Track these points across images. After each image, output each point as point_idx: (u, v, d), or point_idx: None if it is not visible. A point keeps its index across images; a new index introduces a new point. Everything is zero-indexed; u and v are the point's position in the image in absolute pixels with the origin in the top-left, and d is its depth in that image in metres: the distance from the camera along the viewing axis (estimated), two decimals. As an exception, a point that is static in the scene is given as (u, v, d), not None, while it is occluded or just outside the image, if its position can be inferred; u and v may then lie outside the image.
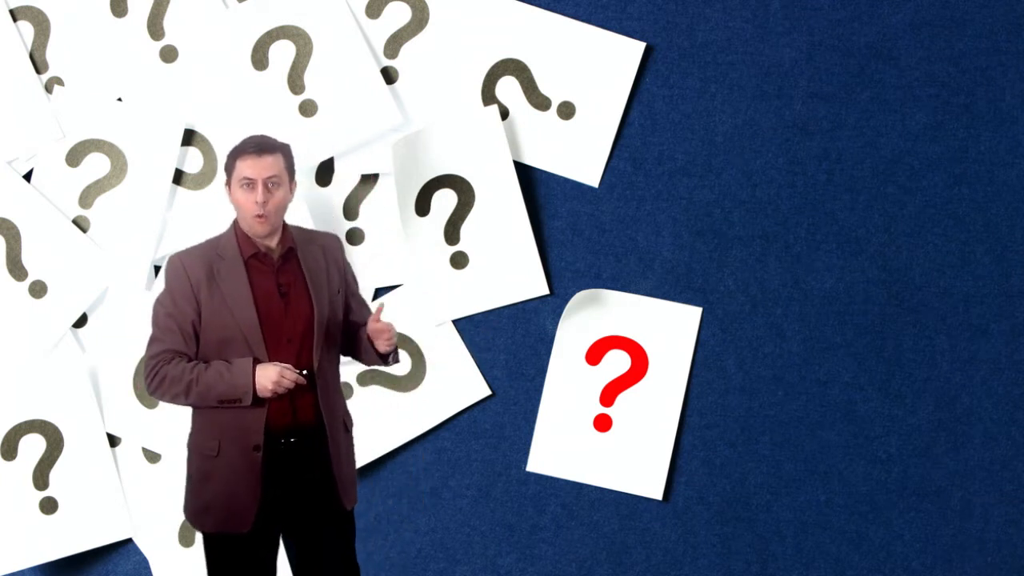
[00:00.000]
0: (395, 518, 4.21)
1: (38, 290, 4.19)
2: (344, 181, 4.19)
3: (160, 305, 3.46)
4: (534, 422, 4.18)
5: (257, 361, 3.39)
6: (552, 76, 4.15)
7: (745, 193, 4.13)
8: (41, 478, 4.19)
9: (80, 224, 4.19)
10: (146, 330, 3.49)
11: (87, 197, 4.19)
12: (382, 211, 4.18)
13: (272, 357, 3.40)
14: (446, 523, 4.20)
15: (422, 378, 4.18)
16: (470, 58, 4.16)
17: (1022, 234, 4.07)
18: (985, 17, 4.06)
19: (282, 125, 4.10)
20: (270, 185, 3.44)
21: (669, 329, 4.14)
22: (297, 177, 3.54)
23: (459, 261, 4.17)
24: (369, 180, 4.19)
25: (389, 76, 4.17)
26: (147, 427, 4.19)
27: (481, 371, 4.18)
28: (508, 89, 4.16)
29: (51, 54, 4.21)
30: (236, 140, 3.52)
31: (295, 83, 4.16)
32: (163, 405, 4.08)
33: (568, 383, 4.18)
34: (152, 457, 4.21)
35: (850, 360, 4.11)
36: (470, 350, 4.18)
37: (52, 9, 4.21)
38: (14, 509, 4.19)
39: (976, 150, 4.08)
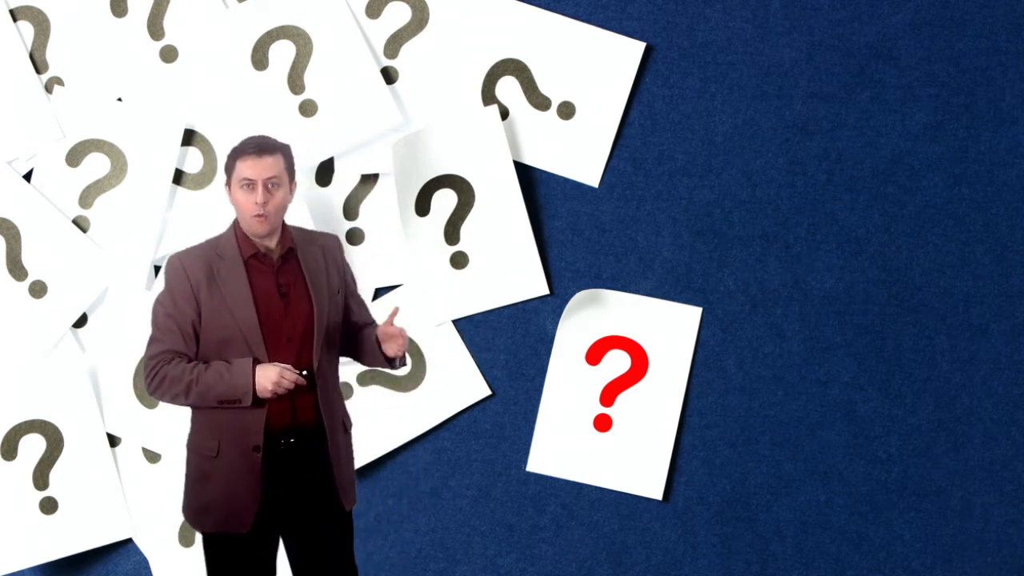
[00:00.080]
0: (395, 518, 4.21)
1: (38, 290, 4.19)
2: (344, 181, 4.19)
3: (160, 305, 3.46)
4: (534, 422, 4.18)
5: (257, 361, 3.39)
6: (552, 76, 4.15)
7: (745, 193, 4.13)
8: (41, 478, 4.19)
9: (80, 224, 4.19)
10: (146, 330, 3.49)
11: (87, 197, 4.19)
12: (382, 211, 4.18)
13: (272, 357, 3.40)
14: (446, 523, 4.20)
15: (422, 378, 4.18)
16: (470, 58, 4.16)
17: (1022, 234, 4.07)
18: (985, 17, 4.06)
19: (282, 125, 4.10)
20: (270, 186, 3.44)
21: (669, 329, 4.14)
22: (297, 177, 3.54)
23: (459, 261, 4.17)
24: (369, 180, 4.19)
25: (389, 76, 4.17)
26: (147, 427, 4.19)
27: (481, 371, 4.18)
28: (508, 89, 4.16)
29: (51, 54, 4.21)
30: (236, 140, 3.52)
31: (295, 83, 4.15)
32: (163, 405, 4.08)
33: (568, 383, 4.17)
34: (152, 457, 4.21)
35: (850, 360, 4.11)
36: (470, 350, 4.18)
37: (52, 9, 4.21)
38: (14, 509, 4.19)
39: (976, 150, 4.08)
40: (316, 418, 3.44)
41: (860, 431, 4.11)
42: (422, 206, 4.16)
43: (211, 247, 3.48)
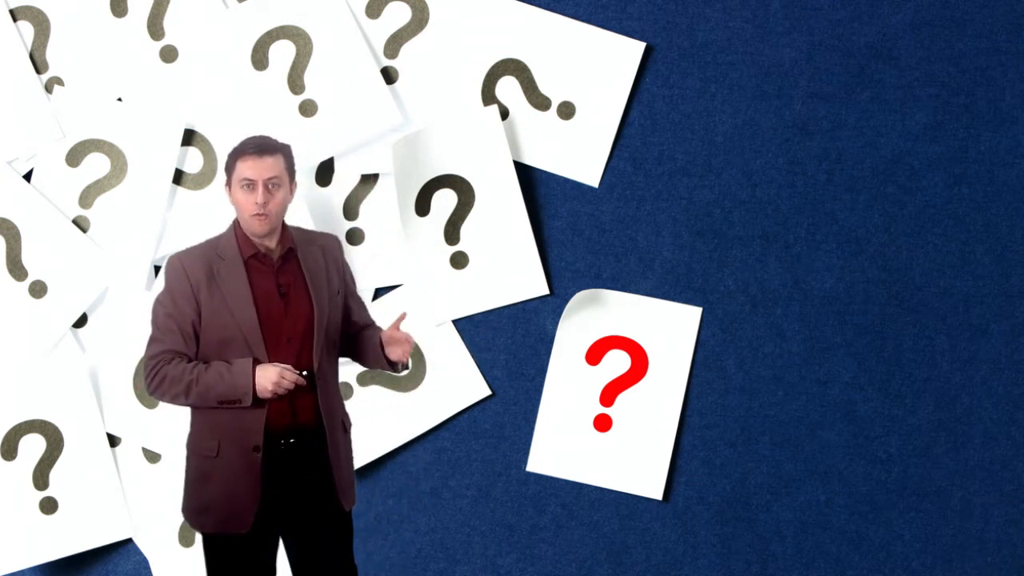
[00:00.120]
0: (395, 518, 4.21)
1: (38, 290, 4.19)
2: (344, 181, 4.19)
3: (160, 305, 3.46)
4: (534, 422, 4.18)
5: (257, 362, 3.39)
6: (552, 76, 4.15)
7: (745, 193, 4.13)
8: (41, 478, 4.19)
9: (80, 224, 4.19)
10: (146, 330, 3.49)
11: (87, 197, 4.19)
12: (382, 211, 4.18)
13: (272, 357, 3.40)
14: (446, 523, 4.20)
15: (422, 378, 4.18)
16: (470, 58, 4.16)
17: (1022, 234, 4.07)
18: (985, 17, 4.06)
19: (282, 125, 4.10)
20: (271, 186, 3.44)
21: (669, 329, 4.14)
22: (297, 177, 3.54)
23: (459, 261, 4.17)
24: (369, 180, 4.19)
25: (389, 76, 4.17)
26: (147, 427, 4.19)
27: (481, 371, 4.18)
28: (508, 89, 4.16)
29: (51, 54, 4.21)
30: (236, 140, 3.52)
31: (295, 83, 4.15)
32: (163, 405, 4.08)
33: (568, 383, 4.17)
34: (152, 457, 4.21)
35: (850, 360, 4.11)
36: (470, 350, 4.18)
37: (52, 9, 4.20)
38: (14, 509, 4.19)
39: (976, 150, 4.08)
40: (316, 418, 3.44)
41: (860, 431, 4.11)
42: (422, 206, 4.16)
43: (211, 247, 3.48)
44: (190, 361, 3.42)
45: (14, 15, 4.21)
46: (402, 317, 3.53)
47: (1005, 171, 4.07)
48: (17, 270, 4.19)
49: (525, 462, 4.19)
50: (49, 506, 4.19)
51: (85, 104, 4.20)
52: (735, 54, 4.12)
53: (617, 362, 4.17)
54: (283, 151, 3.48)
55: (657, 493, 4.16)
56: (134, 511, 4.21)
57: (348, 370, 3.98)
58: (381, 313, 4.12)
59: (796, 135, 4.11)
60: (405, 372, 3.62)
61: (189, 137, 4.19)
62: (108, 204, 4.19)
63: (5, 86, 4.19)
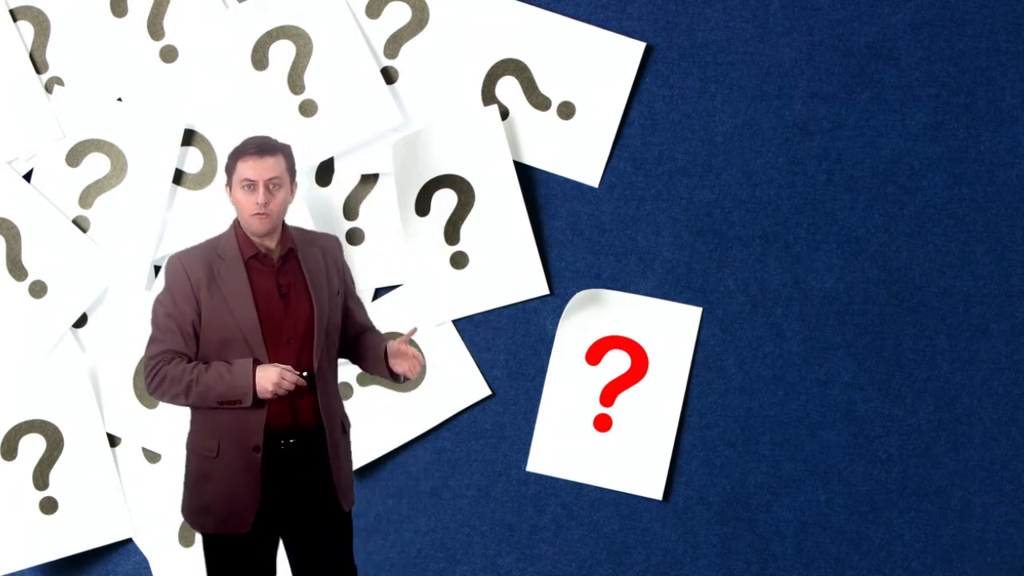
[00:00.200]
0: (395, 518, 4.21)
1: (38, 290, 4.19)
2: (344, 181, 4.19)
3: (160, 305, 3.46)
4: (534, 422, 4.18)
5: (257, 362, 3.38)
6: (552, 76, 4.15)
7: (745, 193, 4.13)
8: (41, 478, 4.19)
9: (80, 224, 4.19)
10: (146, 330, 3.49)
11: (87, 197, 4.19)
12: (382, 211, 4.18)
13: (272, 358, 3.40)
14: (446, 523, 4.20)
15: (422, 378, 4.18)
16: (470, 58, 4.16)
17: (1022, 234, 4.07)
18: (985, 17, 4.06)
19: (282, 125, 4.10)
20: (271, 186, 3.43)
21: (669, 329, 4.14)
22: (297, 177, 3.54)
23: (459, 261, 4.17)
24: (369, 180, 4.19)
25: (389, 76, 4.17)
26: (147, 427, 4.19)
27: (481, 371, 4.18)
28: (508, 89, 4.16)
29: (51, 54, 4.21)
30: (236, 140, 3.52)
31: (295, 83, 4.15)
32: (163, 405, 4.08)
33: (568, 383, 4.17)
34: (152, 457, 4.21)
35: (850, 360, 4.11)
36: (470, 350, 4.18)
37: (52, 9, 4.20)
38: (14, 509, 4.19)
39: (976, 150, 4.08)
40: (316, 419, 3.44)
41: (860, 431, 4.11)
42: (422, 206, 4.16)
43: (211, 247, 3.48)
44: (190, 361, 3.42)
45: (14, 15, 4.21)
46: (413, 331, 3.54)
47: (1005, 171, 4.07)
48: (17, 270, 4.19)
49: (525, 462, 4.19)
50: (49, 506, 4.19)
51: (85, 104, 4.20)
52: (735, 54, 4.12)
53: (617, 362, 4.17)
54: (284, 151, 3.48)
55: (657, 493, 4.16)
56: (134, 511, 4.21)
57: (348, 370, 3.98)
58: (381, 313, 4.12)
59: (796, 135, 4.11)
60: (406, 382, 3.61)
61: (189, 137, 4.19)
62: (108, 204, 4.19)
63: (5, 86, 4.19)
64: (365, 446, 4.14)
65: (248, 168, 3.43)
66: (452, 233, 4.17)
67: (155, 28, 4.19)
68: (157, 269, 4.17)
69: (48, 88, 4.21)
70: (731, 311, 4.14)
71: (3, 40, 4.19)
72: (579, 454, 4.17)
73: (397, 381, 3.56)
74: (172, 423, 4.10)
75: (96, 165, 4.19)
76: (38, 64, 4.22)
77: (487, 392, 4.19)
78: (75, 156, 4.19)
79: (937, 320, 4.09)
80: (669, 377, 4.15)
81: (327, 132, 4.14)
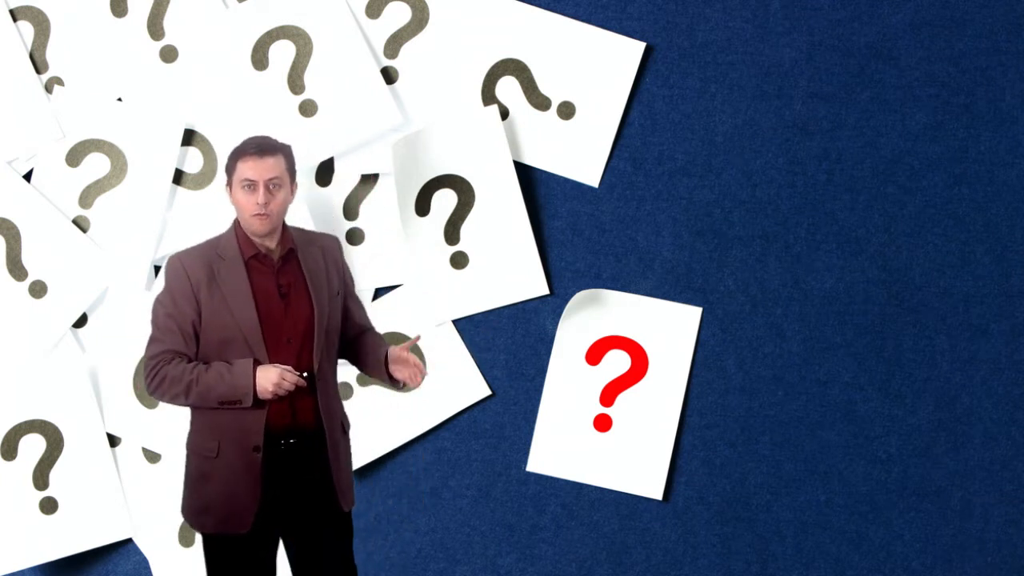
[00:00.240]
0: (395, 518, 4.21)
1: (38, 290, 4.19)
2: (344, 181, 4.19)
3: (160, 305, 3.46)
4: (534, 422, 4.18)
5: (257, 362, 3.38)
6: (552, 76, 4.15)
7: (745, 193, 4.13)
8: (41, 478, 4.19)
9: (80, 224, 4.19)
10: (146, 330, 3.49)
11: (87, 197, 4.19)
12: (382, 211, 4.18)
13: (272, 358, 3.40)
14: (446, 523, 4.21)
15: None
16: (470, 58, 4.16)
17: (1022, 234, 4.07)
18: (985, 17, 4.06)
19: (282, 125, 4.10)
20: (271, 187, 3.43)
21: (669, 329, 4.14)
22: (297, 177, 3.54)
23: (459, 261, 4.17)
24: (369, 180, 4.19)
25: (389, 76, 4.17)
26: (147, 427, 4.19)
27: (481, 371, 4.18)
28: (508, 89, 4.16)
29: (51, 54, 4.21)
30: (236, 140, 3.52)
31: (295, 83, 4.15)
32: (163, 405, 4.07)
33: (568, 383, 4.17)
34: (152, 457, 4.21)
35: (850, 360, 4.11)
36: (470, 350, 4.18)
37: (52, 9, 4.20)
38: (14, 509, 4.19)
39: (976, 150, 4.08)
40: (316, 419, 3.44)
41: (860, 431, 4.11)
42: (422, 206, 4.16)
43: (211, 247, 3.48)
44: (190, 361, 3.42)
45: (14, 15, 4.21)
46: (416, 339, 3.55)
47: (1005, 171, 4.07)
48: (17, 270, 4.19)
49: (525, 462, 4.19)
50: (49, 506, 4.19)
51: (85, 104, 4.20)
52: (735, 54, 4.12)
53: (617, 362, 4.17)
54: (284, 151, 3.48)
55: (657, 493, 4.16)
56: (134, 511, 4.21)
57: (348, 370, 3.97)
58: (381, 313, 4.12)
59: (796, 135, 4.11)
60: (405, 388, 3.59)
61: (189, 137, 4.19)
62: (108, 204, 4.19)
63: (5, 86, 4.19)
64: (365, 446, 4.14)
65: (248, 168, 3.43)
66: (452, 233, 4.17)
67: (155, 28, 4.19)
68: (157, 269, 4.17)
69: (48, 88, 4.21)
70: (731, 311, 4.14)
71: (3, 40, 4.19)
72: (579, 454, 4.17)
73: (396, 388, 3.56)
74: (172, 423, 4.10)
75: (96, 165, 4.19)
76: (38, 64, 4.22)
77: (487, 392, 4.19)
78: (75, 156, 4.19)
79: (937, 320, 4.09)
80: (669, 377, 4.15)
81: (327, 132, 4.14)
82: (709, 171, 4.13)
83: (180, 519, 4.14)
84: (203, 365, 3.40)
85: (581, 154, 4.15)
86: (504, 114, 4.15)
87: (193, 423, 3.48)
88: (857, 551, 4.13)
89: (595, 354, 4.17)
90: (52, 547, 4.19)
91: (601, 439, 4.17)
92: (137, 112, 4.18)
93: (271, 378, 3.35)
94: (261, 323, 3.41)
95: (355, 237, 4.18)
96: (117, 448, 4.21)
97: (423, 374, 3.52)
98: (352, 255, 4.09)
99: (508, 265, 4.16)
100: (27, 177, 4.21)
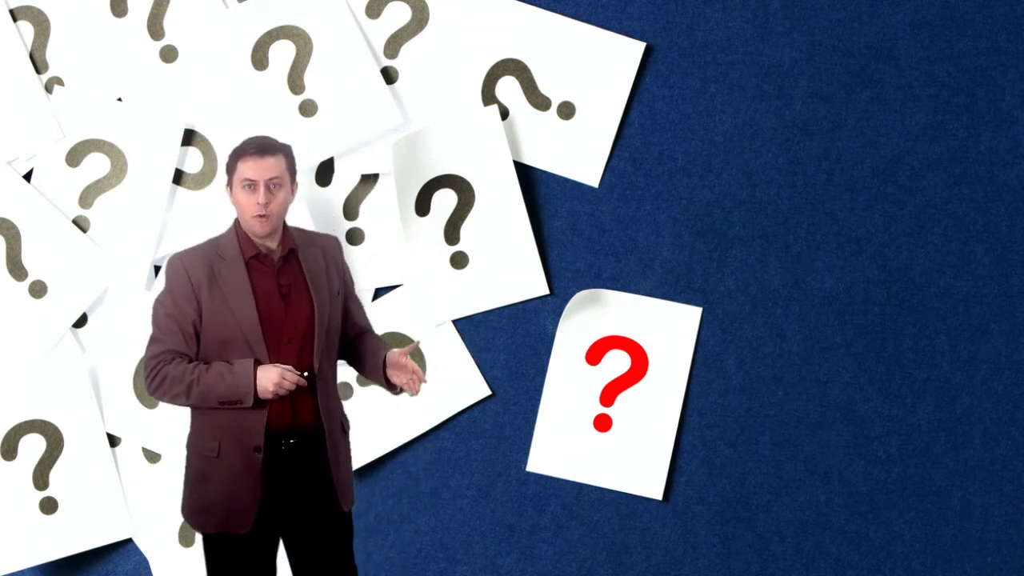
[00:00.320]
0: (395, 518, 4.21)
1: (38, 290, 4.19)
2: (344, 181, 4.19)
3: (160, 305, 3.46)
4: (534, 422, 4.18)
5: (258, 362, 3.38)
6: (552, 76, 4.15)
7: (745, 193, 4.13)
8: (41, 478, 4.19)
9: (80, 224, 4.19)
10: (146, 330, 3.49)
11: (87, 197, 4.19)
12: (382, 211, 4.18)
13: (273, 358, 3.40)
14: (446, 523, 4.20)
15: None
16: (470, 58, 4.16)
17: (1022, 234, 4.07)
18: (985, 17, 4.06)
19: (282, 125, 4.10)
20: (272, 186, 3.43)
21: (669, 329, 4.14)
22: (297, 177, 3.54)
23: (459, 261, 4.17)
24: (369, 180, 4.19)
25: (389, 76, 4.17)
26: (147, 427, 4.19)
27: (481, 371, 4.18)
28: (508, 89, 4.16)
29: (51, 54, 4.21)
30: (236, 140, 3.52)
31: (295, 83, 4.15)
32: (163, 405, 4.07)
33: (568, 383, 4.17)
34: (152, 457, 4.21)
35: (850, 360, 4.11)
36: (470, 350, 4.18)
37: (52, 9, 4.20)
38: (14, 509, 4.19)
39: (976, 150, 4.08)
40: (316, 419, 3.44)
41: (860, 431, 4.12)
42: (422, 206, 4.16)
43: (212, 247, 3.48)
44: (191, 361, 3.42)
45: (14, 15, 4.21)
46: (414, 345, 3.55)
47: (1005, 171, 4.07)
48: (17, 270, 4.19)
49: (525, 462, 4.19)
50: (49, 506, 4.19)
51: (85, 104, 4.20)
52: (735, 54, 4.12)
53: (617, 362, 4.17)
54: (284, 151, 3.48)
55: (657, 493, 4.16)
56: (134, 511, 4.21)
57: (348, 371, 3.97)
58: (381, 313, 4.12)
59: (796, 135, 4.11)
60: (402, 394, 3.58)
61: (189, 137, 4.19)
62: (108, 204, 4.19)
63: (5, 86, 4.19)
64: (365, 446, 4.14)
65: (249, 168, 3.43)
66: (452, 233, 4.17)
67: (155, 28, 4.19)
68: (157, 269, 4.17)
69: (48, 88, 4.21)
70: (731, 311, 4.14)
71: (3, 40, 4.19)
72: (579, 454, 4.17)
73: (393, 392, 3.55)
74: (172, 423, 4.10)
75: (96, 165, 4.19)
76: (38, 64, 4.21)
77: (487, 392, 4.19)
78: (75, 156, 4.19)
79: (937, 320, 4.09)
80: (669, 377, 4.15)
81: (327, 132, 4.14)
82: (709, 171, 4.13)
83: (180, 519, 4.14)
84: (204, 365, 3.40)
85: (581, 154, 4.15)
86: (504, 114, 4.15)
87: (193, 423, 3.48)
88: (857, 551, 4.13)
89: (595, 354, 4.17)
90: (52, 547, 4.19)
91: (601, 439, 4.17)
92: (137, 112, 4.18)
93: (272, 378, 3.35)
94: (262, 323, 3.41)
95: (355, 237, 4.18)
96: (117, 448, 4.21)
97: (421, 381, 3.51)
98: (352, 255, 4.09)
99: (508, 265, 4.16)
100: (27, 177, 4.21)
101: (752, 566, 4.15)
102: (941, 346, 4.09)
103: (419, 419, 4.18)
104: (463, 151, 4.14)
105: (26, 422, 4.18)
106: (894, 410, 4.10)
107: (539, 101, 4.16)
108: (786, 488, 4.14)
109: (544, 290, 4.17)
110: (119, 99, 4.20)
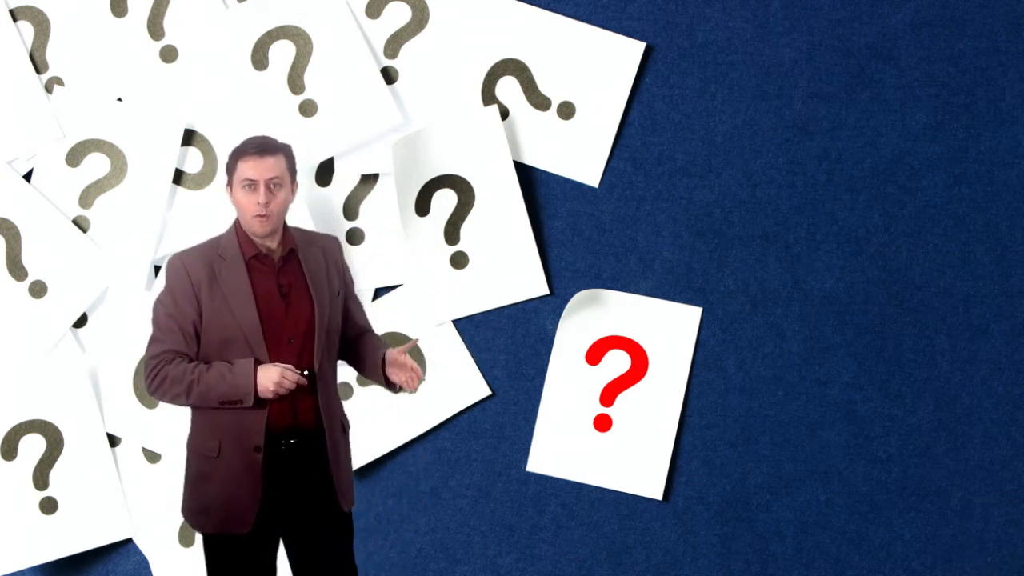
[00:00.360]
0: (395, 518, 4.21)
1: (38, 290, 4.19)
2: (344, 181, 4.19)
3: (161, 305, 3.46)
4: (534, 422, 4.18)
5: (258, 362, 3.38)
6: (552, 76, 4.15)
7: (745, 193, 4.13)
8: (41, 478, 4.19)
9: (80, 224, 4.19)
10: (146, 330, 3.49)
11: (87, 197, 4.19)
12: (382, 211, 4.18)
13: (273, 358, 3.40)
14: (446, 523, 4.20)
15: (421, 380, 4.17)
16: (470, 58, 4.16)
17: (1022, 234, 4.07)
18: (985, 17, 4.06)
19: (282, 125, 4.10)
20: (272, 186, 3.43)
21: (669, 329, 4.14)
22: (297, 177, 3.54)
23: (459, 261, 4.17)
24: (369, 180, 4.19)
25: (389, 76, 4.17)
26: (147, 427, 4.19)
27: (481, 371, 4.18)
28: (508, 89, 4.16)
29: (51, 54, 4.21)
30: (236, 140, 3.52)
31: (295, 83, 4.15)
32: (163, 405, 4.07)
33: (568, 383, 4.17)
34: (152, 457, 4.21)
35: (850, 360, 4.11)
36: (470, 350, 4.18)
37: (52, 9, 4.20)
38: (14, 509, 4.19)
39: (976, 150, 4.08)
40: (316, 419, 3.44)
41: (860, 431, 4.12)
42: (422, 206, 4.16)
43: (212, 247, 3.48)
44: (191, 361, 3.42)
45: (14, 15, 4.21)
46: (413, 343, 3.55)
47: (1005, 171, 4.07)
48: (17, 270, 4.19)
49: (525, 462, 4.19)
50: (49, 506, 4.19)
51: (85, 104, 4.20)
52: (735, 54, 4.12)
53: (617, 362, 4.17)
54: (284, 151, 3.48)
55: (657, 493, 4.16)
56: (134, 511, 4.21)
57: (348, 370, 3.97)
58: (381, 313, 4.12)
59: (796, 135, 4.11)
60: (401, 392, 3.58)
61: (189, 137, 4.19)
62: (108, 204, 4.19)
63: (5, 86, 4.19)
64: (365, 446, 4.14)
65: (249, 168, 3.43)
66: (452, 233, 4.17)
67: (155, 28, 4.19)
68: (157, 269, 4.17)
69: (48, 88, 4.21)
70: (731, 311, 4.14)
71: (3, 40, 4.19)
72: (579, 454, 4.17)
73: (393, 391, 3.55)
74: (172, 423, 4.10)
75: (96, 165, 4.19)
76: (38, 64, 4.21)
77: (487, 392, 4.19)
78: (75, 156, 4.19)
79: (937, 320, 4.09)
80: (669, 377, 4.15)
81: (327, 132, 4.14)
82: (709, 171, 4.13)
83: (180, 519, 4.14)
84: (204, 365, 3.40)
85: (581, 154, 4.15)
86: (504, 114, 4.15)
87: (194, 423, 3.48)
88: (857, 551, 4.13)
89: (595, 354, 4.17)
90: (52, 547, 4.19)
91: (601, 439, 4.17)
92: (137, 112, 4.18)
93: (272, 377, 3.35)
94: (262, 323, 3.41)
95: (355, 237, 4.18)
96: (117, 448, 4.21)
97: (420, 379, 3.52)
98: (352, 255, 4.09)
99: (508, 265, 4.16)
100: (27, 177, 4.21)
101: (752, 566, 4.15)
102: (941, 346, 4.09)
103: (419, 419, 4.18)
104: (463, 151, 4.14)
105: (26, 422, 4.18)
106: (894, 410, 4.10)
107: (539, 101, 4.16)
108: (786, 488, 4.14)
109: (544, 290, 4.17)
110: (119, 99, 4.20)
